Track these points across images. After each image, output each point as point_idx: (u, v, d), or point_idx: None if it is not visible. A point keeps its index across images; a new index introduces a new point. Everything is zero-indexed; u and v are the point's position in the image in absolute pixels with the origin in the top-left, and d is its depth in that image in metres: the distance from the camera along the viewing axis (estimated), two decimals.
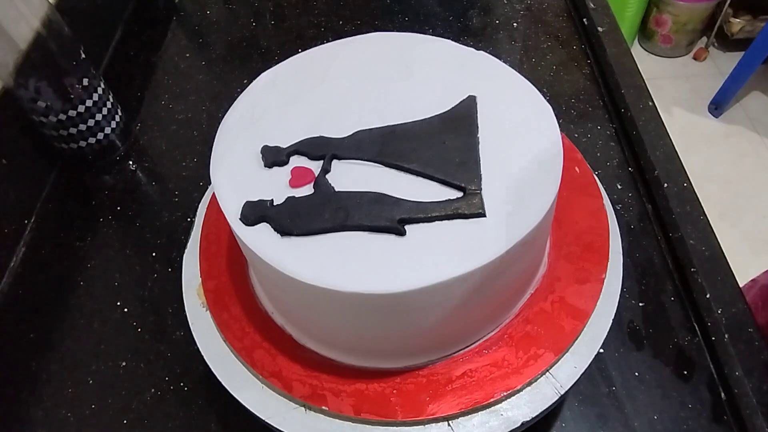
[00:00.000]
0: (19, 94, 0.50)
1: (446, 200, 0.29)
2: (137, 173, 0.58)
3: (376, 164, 0.31)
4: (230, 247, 0.38)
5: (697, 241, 0.45)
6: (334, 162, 0.31)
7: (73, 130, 0.54)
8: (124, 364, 0.44)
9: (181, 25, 0.75)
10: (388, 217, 0.28)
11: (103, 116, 0.55)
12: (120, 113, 0.58)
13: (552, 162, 0.30)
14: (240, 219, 0.29)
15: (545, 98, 0.33)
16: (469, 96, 0.34)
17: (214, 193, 0.31)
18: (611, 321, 0.33)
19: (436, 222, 0.28)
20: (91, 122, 0.54)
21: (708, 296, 0.43)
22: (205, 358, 0.34)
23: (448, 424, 0.30)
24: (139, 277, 0.49)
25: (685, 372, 0.41)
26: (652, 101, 0.56)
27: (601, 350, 0.33)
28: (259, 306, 0.35)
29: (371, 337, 0.30)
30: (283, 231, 0.28)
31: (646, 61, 1.92)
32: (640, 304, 0.45)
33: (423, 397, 0.30)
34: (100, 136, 0.56)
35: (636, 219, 0.50)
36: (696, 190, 0.49)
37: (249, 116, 0.34)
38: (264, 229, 0.29)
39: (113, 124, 0.57)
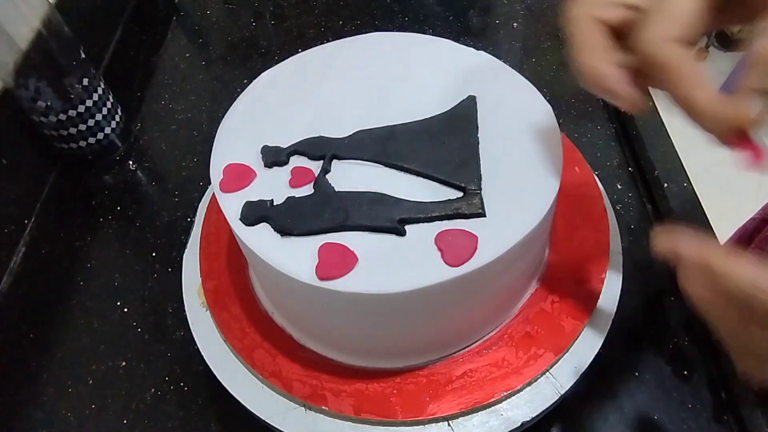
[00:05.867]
0: (19, 94, 0.50)
1: (446, 200, 0.29)
2: (137, 173, 0.58)
3: (376, 164, 0.31)
4: (230, 247, 0.38)
5: None
6: (334, 162, 0.31)
7: (73, 130, 0.53)
8: (124, 364, 0.44)
9: (181, 25, 0.75)
10: (388, 217, 0.28)
11: (103, 116, 0.55)
12: (120, 113, 0.58)
13: (552, 162, 0.30)
14: (240, 219, 0.29)
15: (545, 98, 0.33)
16: (469, 96, 0.34)
17: (214, 193, 0.31)
18: (611, 321, 0.33)
19: (436, 222, 0.28)
20: (91, 122, 0.54)
21: None
22: (205, 358, 0.34)
23: (448, 424, 0.30)
24: (139, 277, 0.49)
25: (685, 372, 0.41)
26: (653, 101, 0.56)
27: (601, 350, 0.33)
28: (259, 306, 0.35)
29: (371, 337, 0.30)
30: (283, 231, 0.28)
31: None
32: (640, 304, 0.45)
33: (423, 397, 0.30)
34: (100, 136, 0.56)
35: (636, 219, 0.50)
36: (696, 190, 0.49)
37: (249, 116, 0.34)
38: (264, 229, 0.29)
39: (113, 124, 0.57)
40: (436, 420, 0.30)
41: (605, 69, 0.24)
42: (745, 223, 0.57)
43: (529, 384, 0.31)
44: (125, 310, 0.47)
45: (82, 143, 0.55)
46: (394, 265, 0.27)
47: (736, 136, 0.22)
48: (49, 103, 0.51)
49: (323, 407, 0.31)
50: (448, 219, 0.28)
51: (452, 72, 0.35)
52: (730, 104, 0.21)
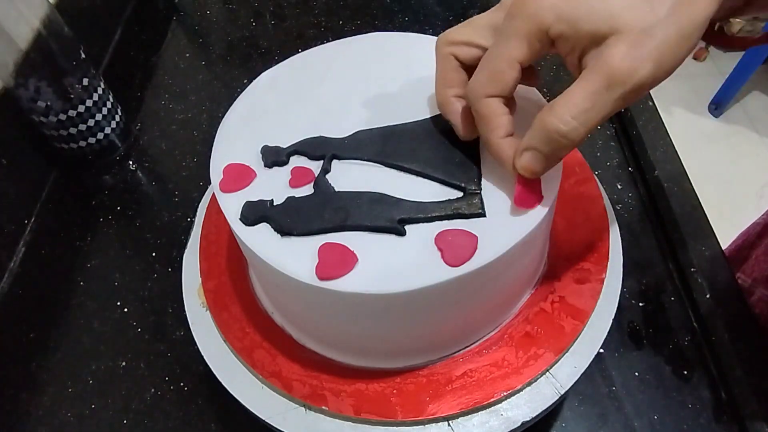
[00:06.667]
0: (19, 94, 0.50)
1: (446, 200, 0.29)
2: (137, 173, 0.58)
3: (376, 164, 0.31)
4: (230, 247, 0.38)
5: (696, 240, 0.45)
6: (334, 162, 0.31)
7: (73, 130, 0.54)
8: (124, 364, 0.44)
9: (181, 25, 0.75)
10: (388, 217, 0.28)
11: (103, 116, 0.55)
12: (120, 113, 0.58)
13: None
14: (240, 219, 0.29)
15: (545, 98, 0.33)
16: None
17: (214, 193, 0.31)
18: (611, 321, 0.33)
19: (436, 222, 0.28)
20: (91, 122, 0.54)
21: (708, 296, 0.43)
22: (205, 358, 0.34)
23: (448, 424, 0.30)
24: (139, 277, 0.49)
25: (685, 372, 0.41)
26: (652, 101, 0.56)
27: (601, 350, 0.33)
28: (259, 306, 0.35)
29: (371, 337, 0.30)
30: (283, 231, 0.28)
31: None
32: (640, 304, 0.45)
33: (423, 397, 0.30)
34: (100, 136, 0.56)
35: (636, 219, 0.50)
36: (696, 190, 0.49)
37: (249, 116, 0.34)
38: (264, 229, 0.29)
39: (113, 124, 0.57)
40: (436, 420, 0.30)
41: (445, 99, 0.29)
42: (747, 228, 0.57)
43: (529, 384, 0.31)
44: (125, 310, 0.47)
45: (82, 143, 0.55)
46: (394, 265, 0.27)
47: (519, 176, 0.27)
48: (49, 103, 0.51)
49: (323, 407, 0.31)
50: (448, 219, 0.28)
51: None
52: (510, 151, 0.26)
